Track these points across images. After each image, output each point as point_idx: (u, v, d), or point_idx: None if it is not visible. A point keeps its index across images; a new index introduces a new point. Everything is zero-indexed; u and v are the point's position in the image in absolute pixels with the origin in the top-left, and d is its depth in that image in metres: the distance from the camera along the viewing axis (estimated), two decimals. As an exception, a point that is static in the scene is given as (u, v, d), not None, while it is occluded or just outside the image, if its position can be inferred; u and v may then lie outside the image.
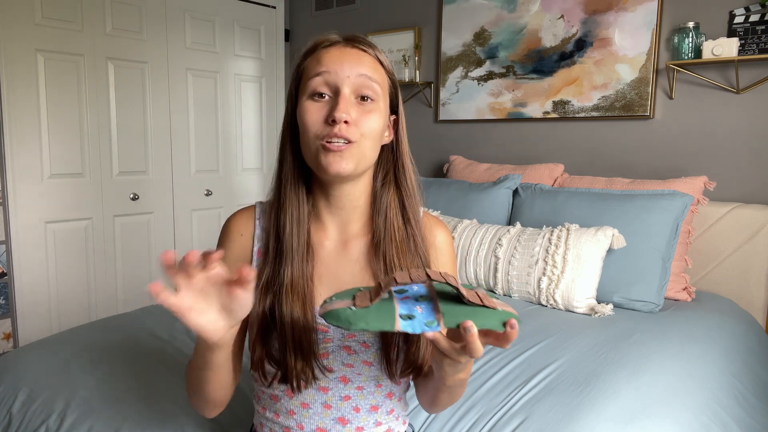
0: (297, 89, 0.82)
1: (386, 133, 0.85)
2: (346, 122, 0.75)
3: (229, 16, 3.22)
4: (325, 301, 0.66)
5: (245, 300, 0.62)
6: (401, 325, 0.58)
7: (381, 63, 0.82)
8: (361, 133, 0.77)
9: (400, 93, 0.87)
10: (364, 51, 0.80)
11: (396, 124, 0.86)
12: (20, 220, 2.48)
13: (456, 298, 0.64)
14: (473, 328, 0.57)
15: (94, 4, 2.64)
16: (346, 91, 0.76)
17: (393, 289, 0.66)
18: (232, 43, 3.25)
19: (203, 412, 0.85)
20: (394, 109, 0.86)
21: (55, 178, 2.58)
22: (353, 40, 0.81)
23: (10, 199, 2.45)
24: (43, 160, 2.53)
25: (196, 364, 0.75)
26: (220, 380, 0.78)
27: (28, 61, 2.45)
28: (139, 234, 2.92)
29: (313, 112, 0.77)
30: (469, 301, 0.61)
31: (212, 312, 0.63)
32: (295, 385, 0.80)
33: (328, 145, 0.75)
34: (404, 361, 0.81)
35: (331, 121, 0.75)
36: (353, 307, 0.60)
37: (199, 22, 3.08)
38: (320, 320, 0.81)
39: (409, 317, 0.59)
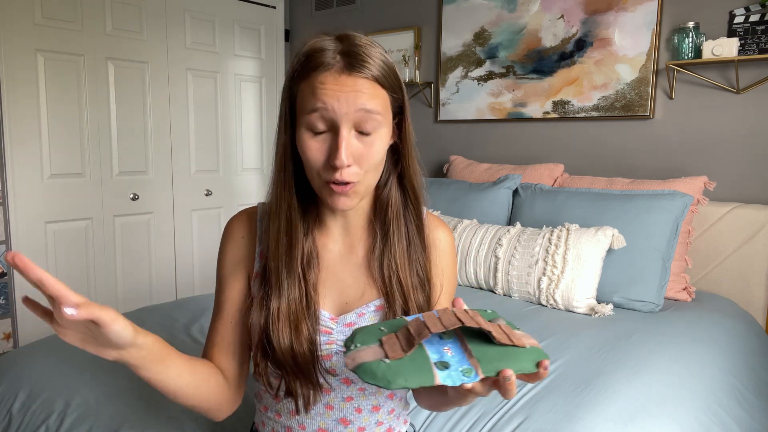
0: (292, 108, 0.77)
1: (390, 138, 0.80)
2: (348, 166, 0.73)
3: (229, 16, 3.22)
4: (347, 347, 0.62)
5: (112, 334, 0.60)
6: (440, 378, 0.56)
7: (380, 83, 0.74)
8: (364, 168, 0.74)
9: (406, 95, 0.81)
10: (363, 77, 0.72)
11: (400, 126, 0.82)
12: (20, 220, 2.48)
13: (479, 332, 0.62)
14: (513, 376, 0.56)
15: (94, 4, 2.64)
16: (345, 132, 0.72)
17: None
18: (232, 43, 3.25)
19: (210, 417, 0.85)
20: (399, 110, 0.81)
21: (55, 178, 2.58)
22: (350, 66, 0.72)
23: (10, 199, 2.45)
24: (43, 160, 2.53)
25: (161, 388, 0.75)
26: (185, 393, 0.76)
27: (28, 61, 2.45)
28: (139, 234, 2.92)
29: (314, 151, 0.74)
30: (498, 341, 0.60)
31: (94, 343, 0.63)
32: (299, 405, 0.80)
33: (331, 185, 0.74)
34: None
35: (332, 165, 0.72)
36: (386, 360, 0.58)
37: (199, 22, 3.08)
38: (324, 324, 0.81)
39: (444, 365, 0.58)
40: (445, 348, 0.60)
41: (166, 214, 3.03)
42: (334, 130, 0.73)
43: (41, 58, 2.49)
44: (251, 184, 3.44)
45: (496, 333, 0.60)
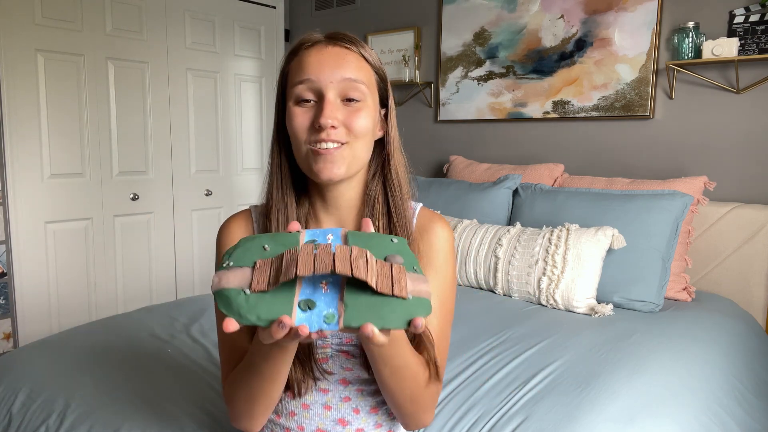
0: (284, 93, 0.81)
1: (378, 129, 0.84)
2: (333, 127, 0.74)
3: (229, 16, 3.22)
4: (222, 264, 0.58)
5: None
6: (297, 320, 0.53)
7: (366, 59, 0.80)
8: (351, 133, 0.76)
9: (390, 86, 0.85)
10: (347, 48, 0.78)
11: (386, 118, 0.84)
12: (20, 220, 2.48)
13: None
14: (374, 332, 0.53)
15: (94, 4, 2.64)
16: (331, 96, 0.75)
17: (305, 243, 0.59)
18: (232, 43, 3.25)
19: (254, 426, 0.80)
20: (384, 102, 0.84)
21: (55, 178, 2.58)
22: (334, 38, 0.79)
23: (10, 199, 2.45)
24: (43, 160, 2.53)
25: (265, 375, 0.71)
26: (280, 389, 0.75)
27: (28, 61, 2.45)
28: (139, 234, 2.92)
29: (299, 118, 0.76)
30: (379, 291, 0.55)
31: None
32: (296, 390, 0.81)
33: (317, 149, 0.75)
34: None
35: (317, 126, 0.74)
36: (247, 291, 0.55)
37: (199, 22, 3.08)
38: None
39: (309, 305, 0.55)
40: (323, 283, 0.57)
41: (166, 214, 3.03)
42: (320, 97, 0.76)
43: (41, 58, 2.49)
44: (251, 184, 3.44)
45: (377, 281, 0.55)
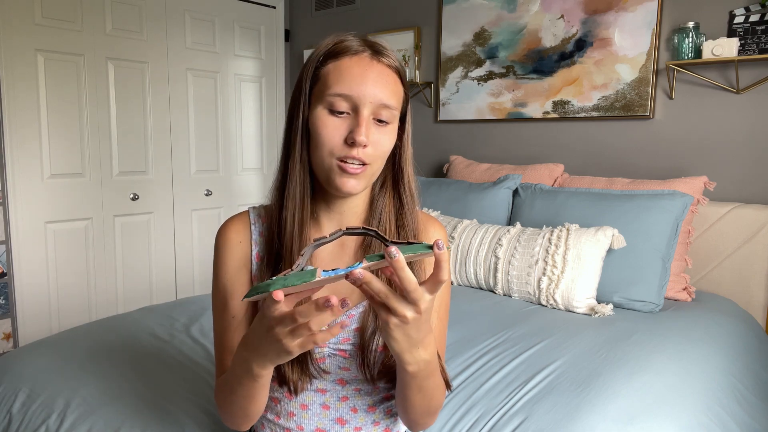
0: (311, 91, 0.78)
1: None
2: (365, 146, 0.74)
3: (229, 16, 3.22)
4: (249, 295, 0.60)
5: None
6: (322, 274, 0.55)
7: (401, 80, 0.80)
8: (374, 155, 0.76)
9: (410, 101, 0.85)
10: (389, 68, 0.78)
11: (401, 130, 0.84)
12: (20, 220, 2.48)
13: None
14: (398, 253, 0.55)
15: (94, 4, 2.64)
16: (366, 113, 0.74)
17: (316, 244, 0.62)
18: (232, 43, 3.25)
19: (241, 427, 0.82)
20: (402, 118, 0.83)
21: (55, 178, 2.58)
22: (379, 53, 0.77)
23: (10, 199, 2.45)
24: (43, 160, 2.53)
25: (243, 392, 0.73)
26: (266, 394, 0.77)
27: (28, 61, 2.45)
28: (139, 234, 2.92)
29: (331, 129, 0.75)
30: (394, 241, 0.60)
31: None
32: (292, 388, 0.81)
33: (344, 165, 0.74)
34: (381, 363, 0.81)
35: (350, 142, 0.74)
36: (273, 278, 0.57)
37: (199, 22, 3.08)
38: None
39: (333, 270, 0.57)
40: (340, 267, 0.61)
41: (166, 214, 3.03)
42: (354, 111, 0.75)
43: (41, 58, 2.49)
44: (251, 184, 3.44)
45: (390, 239, 0.63)
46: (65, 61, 2.57)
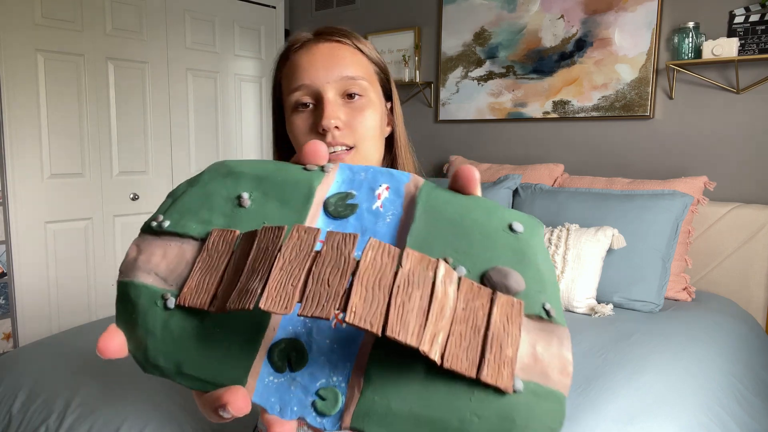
0: (280, 101, 0.76)
1: (387, 124, 0.78)
2: (337, 128, 0.68)
3: (229, 16, 3.22)
4: (150, 222, 0.30)
5: None
6: (257, 390, 0.26)
7: (361, 51, 0.73)
8: (357, 135, 0.69)
9: (391, 77, 0.79)
10: (339, 42, 0.71)
11: (392, 112, 0.78)
12: (20, 220, 2.48)
13: None
14: None
15: (94, 4, 2.64)
16: (330, 95, 0.69)
17: None
18: (232, 43, 3.25)
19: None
20: (388, 95, 0.78)
21: (55, 178, 2.58)
22: (324, 33, 0.72)
23: (10, 199, 2.45)
24: (43, 160, 2.53)
25: None
26: None
27: (28, 61, 2.45)
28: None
29: (301, 124, 0.70)
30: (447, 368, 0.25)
31: None
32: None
33: (330, 156, 0.68)
34: None
35: (320, 130, 0.67)
36: (170, 303, 0.27)
37: (199, 22, 3.08)
38: None
39: (290, 361, 0.27)
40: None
41: (166, 214, 3.03)
42: (318, 99, 0.70)
43: (41, 58, 2.49)
44: (251, 184, 3.44)
45: (452, 344, 0.24)
46: (65, 61, 2.57)
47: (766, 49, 1.98)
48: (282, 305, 0.23)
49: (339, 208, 0.30)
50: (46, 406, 1.22)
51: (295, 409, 0.26)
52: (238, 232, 0.28)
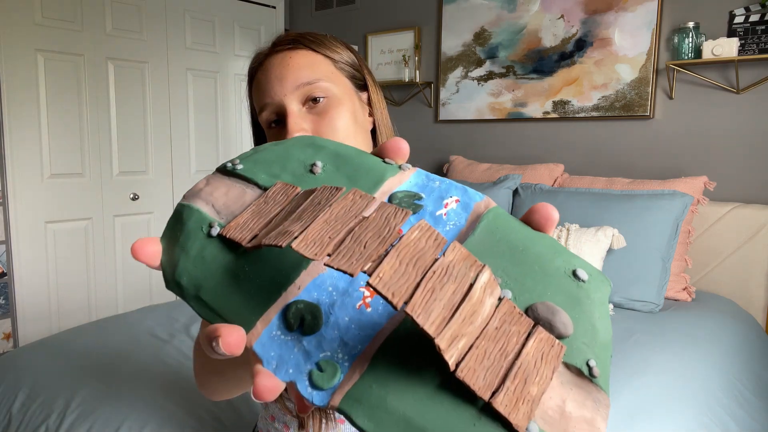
0: (257, 124, 0.76)
1: (369, 116, 0.76)
2: None
3: (229, 16, 3.22)
4: (227, 164, 0.35)
5: None
6: (259, 340, 0.28)
7: (314, 50, 0.70)
8: (331, 138, 0.66)
9: (363, 63, 0.75)
10: (289, 49, 0.70)
11: (369, 103, 0.75)
12: (20, 220, 2.48)
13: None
14: None
15: (94, 4, 2.64)
16: (294, 108, 0.68)
17: None
18: (232, 43, 3.25)
19: (213, 398, 0.73)
20: (363, 85, 0.75)
21: (55, 178, 2.58)
22: (276, 44, 0.71)
23: (10, 199, 2.45)
24: (43, 160, 2.53)
25: (225, 375, 0.61)
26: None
27: (28, 61, 2.45)
28: (139, 234, 2.92)
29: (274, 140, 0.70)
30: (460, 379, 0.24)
31: None
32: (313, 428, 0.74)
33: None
34: None
35: None
36: (213, 231, 0.32)
37: (199, 22, 3.08)
38: None
39: (295, 322, 0.28)
40: (361, 288, 0.31)
41: (166, 214, 3.03)
42: (284, 114, 0.69)
43: (41, 58, 2.49)
44: (251, 184, 3.44)
45: (475, 367, 0.23)
46: (65, 61, 2.57)
47: (766, 49, 1.98)
48: (313, 251, 0.23)
49: (403, 203, 0.31)
50: (46, 406, 1.22)
51: (291, 371, 0.25)
52: (299, 189, 0.30)
